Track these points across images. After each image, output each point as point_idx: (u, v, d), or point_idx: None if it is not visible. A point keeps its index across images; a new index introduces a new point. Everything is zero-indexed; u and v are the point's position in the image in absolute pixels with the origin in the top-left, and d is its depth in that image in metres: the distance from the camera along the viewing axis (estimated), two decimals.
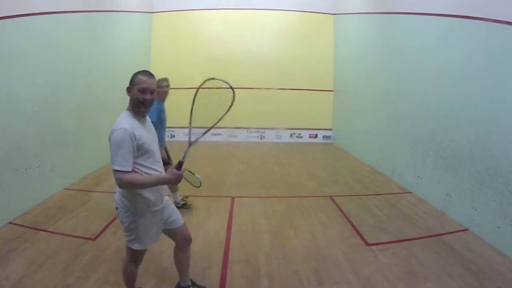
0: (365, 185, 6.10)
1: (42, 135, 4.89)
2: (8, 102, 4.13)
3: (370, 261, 3.30)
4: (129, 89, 2.11)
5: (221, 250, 3.49)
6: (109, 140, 2.01)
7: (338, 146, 10.25)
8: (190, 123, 2.31)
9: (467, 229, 4.05)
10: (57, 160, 5.25)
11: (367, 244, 3.67)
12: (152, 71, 2.17)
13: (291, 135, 11.24)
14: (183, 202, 4.59)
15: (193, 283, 2.66)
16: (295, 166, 7.71)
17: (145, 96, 2.07)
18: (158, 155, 2.25)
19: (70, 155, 5.68)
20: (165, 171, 2.31)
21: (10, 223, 3.98)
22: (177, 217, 2.44)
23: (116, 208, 2.23)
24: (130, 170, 2.00)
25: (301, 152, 9.48)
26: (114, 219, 4.07)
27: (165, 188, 2.34)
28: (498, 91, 3.75)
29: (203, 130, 2.28)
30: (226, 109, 2.26)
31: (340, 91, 10.52)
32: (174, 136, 9.97)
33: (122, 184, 2.02)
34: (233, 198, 5.19)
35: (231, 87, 2.27)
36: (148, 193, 2.15)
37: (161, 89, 4.09)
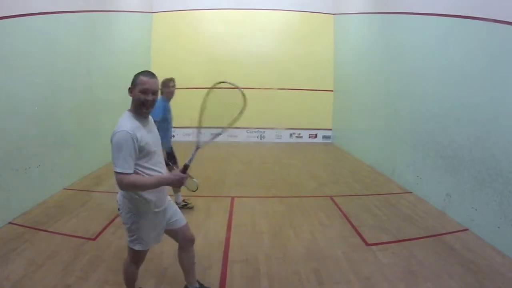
0: (365, 185, 6.10)
1: (42, 135, 4.89)
2: (8, 102, 4.13)
3: (370, 261, 3.30)
4: (130, 90, 2.10)
5: (221, 250, 3.49)
6: (111, 142, 2.00)
7: (338, 146, 10.25)
8: (199, 126, 2.28)
9: (467, 229, 4.05)
10: (57, 160, 5.25)
11: (367, 244, 3.68)
12: (152, 71, 2.17)
13: (291, 135, 11.23)
14: (183, 203, 4.59)
15: (201, 285, 2.64)
16: (295, 166, 7.71)
17: (147, 97, 2.06)
18: (160, 156, 2.24)
19: (70, 155, 5.68)
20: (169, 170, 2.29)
21: (10, 223, 3.98)
22: (180, 218, 2.44)
23: (118, 209, 2.23)
24: (132, 172, 2.00)
25: (301, 152, 9.47)
26: (114, 219, 4.08)
27: (167, 189, 2.33)
28: (498, 91, 3.75)
29: (211, 134, 2.26)
30: (237, 113, 2.27)
31: (340, 91, 10.52)
32: (174, 136, 9.93)
33: (123, 186, 2.01)
34: (233, 198, 5.19)
35: (242, 93, 2.27)
36: (149, 194, 2.14)
37: (167, 89, 4.16)
